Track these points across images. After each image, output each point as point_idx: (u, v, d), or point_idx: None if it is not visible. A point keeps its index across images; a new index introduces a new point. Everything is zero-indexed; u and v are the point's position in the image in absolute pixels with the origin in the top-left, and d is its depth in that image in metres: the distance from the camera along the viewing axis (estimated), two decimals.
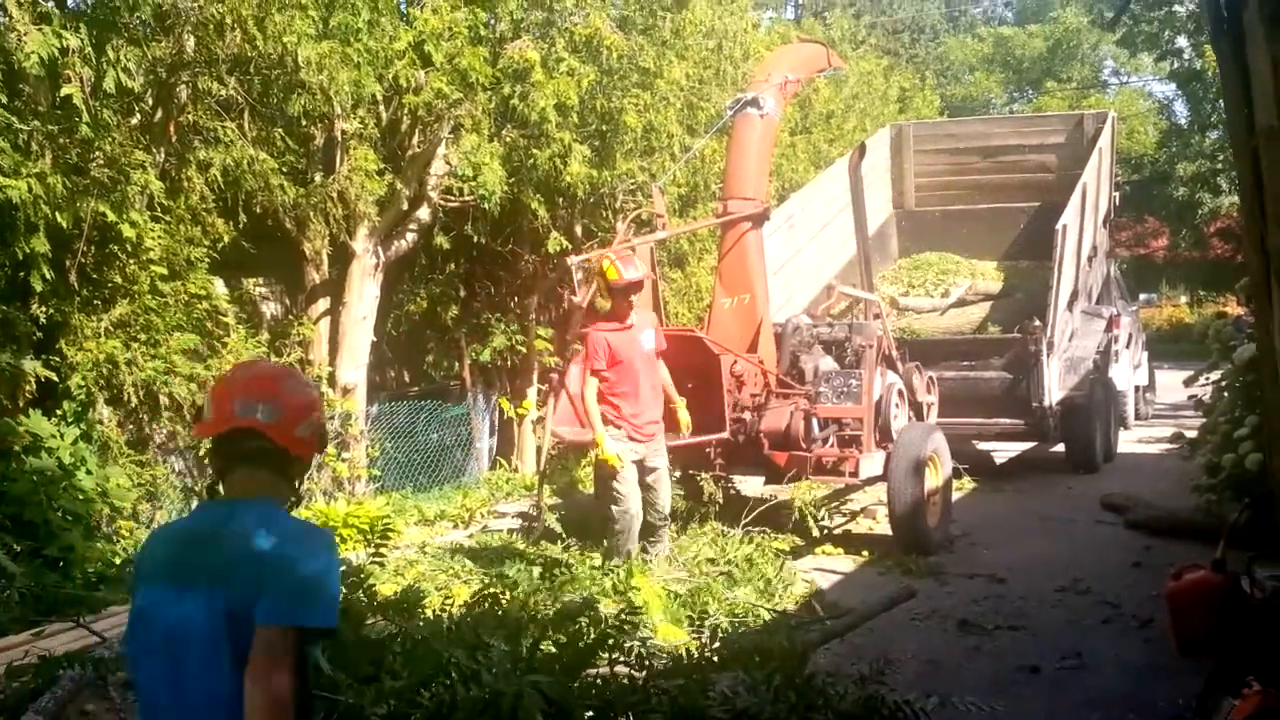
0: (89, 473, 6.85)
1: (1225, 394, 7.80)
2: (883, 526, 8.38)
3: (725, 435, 7.46)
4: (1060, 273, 10.34)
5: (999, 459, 11.84)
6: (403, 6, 9.83)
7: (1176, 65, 28.94)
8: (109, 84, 6.57)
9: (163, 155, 7.86)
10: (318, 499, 8.70)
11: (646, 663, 3.88)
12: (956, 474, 8.91)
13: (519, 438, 11.78)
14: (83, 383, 7.10)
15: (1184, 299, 35.95)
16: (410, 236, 10.37)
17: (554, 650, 3.96)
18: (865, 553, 7.78)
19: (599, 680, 3.74)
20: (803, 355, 8.33)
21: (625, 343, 6.72)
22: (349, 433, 9.45)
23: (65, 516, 6.54)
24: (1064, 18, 37.85)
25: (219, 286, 8.69)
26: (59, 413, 7.02)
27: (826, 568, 7.45)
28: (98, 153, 6.81)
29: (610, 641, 3.89)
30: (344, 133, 9.25)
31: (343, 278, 9.97)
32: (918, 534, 7.71)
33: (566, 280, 8.68)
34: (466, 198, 9.68)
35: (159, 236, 7.59)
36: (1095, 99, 34.92)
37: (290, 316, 10.36)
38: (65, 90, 6.41)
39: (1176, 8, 27.86)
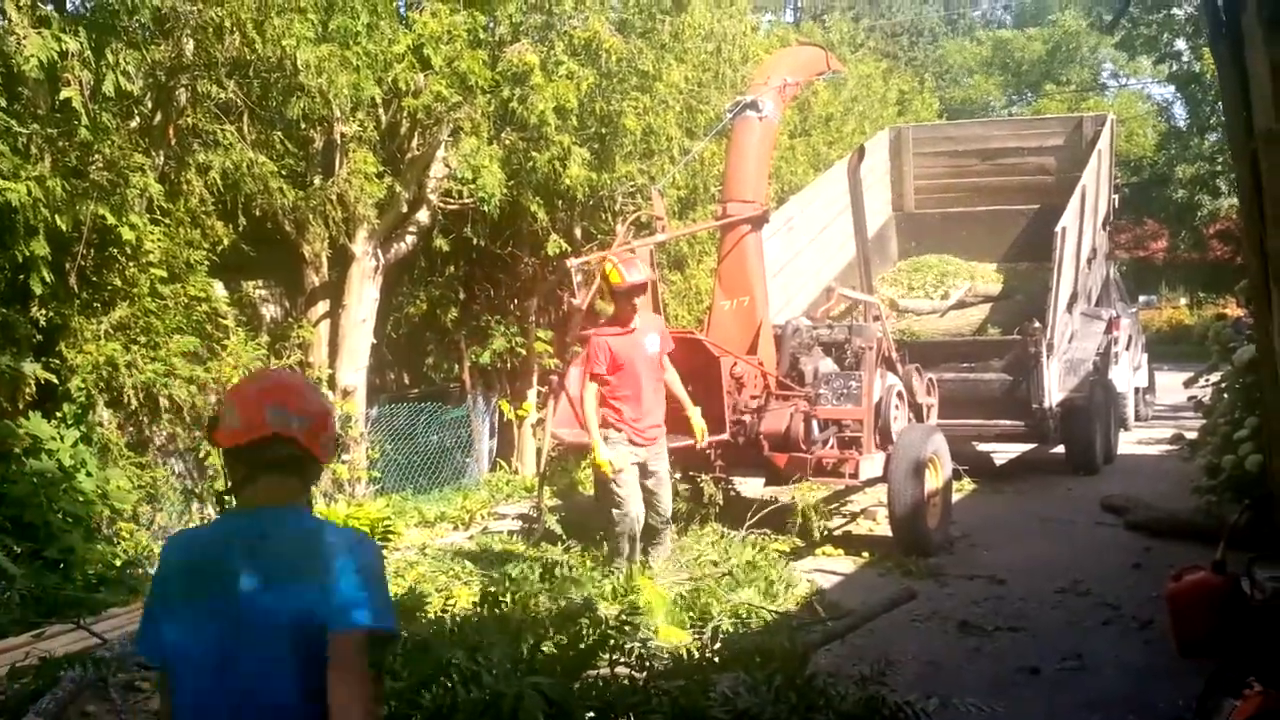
0: (89, 475, 6.86)
1: (1225, 395, 7.80)
2: (883, 528, 8.39)
3: (725, 437, 7.46)
4: (1060, 275, 10.35)
5: (999, 460, 11.84)
6: (402, 10, 9.85)
7: (1175, 68, 29.00)
8: (108, 87, 6.58)
9: (162, 158, 7.86)
10: (318, 501, 8.70)
11: (647, 664, 3.88)
12: (956, 475, 8.91)
13: (519, 440, 11.79)
14: (83, 385, 7.10)
15: (1183, 301, 35.97)
16: (410, 239, 10.37)
17: (554, 651, 3.96)
18: (865, 554, 7.78)
19: (600, 681, 3.75)
20: (802, 357, 8.34)
21: (628, 347, 6.68)
22: (349, 435, 9.45)
23: (65, 518, 6.55)
24: (1063, 21, 37.88)
25: (219, 289, 8.70)
26: (59, 415, 7.02)
27: (827, 569, 7.45)
28: (97, 156, 6.81)
29: (611, 642, 3.89)
30: (343, 136, 9.26)
31: (342, 280, 9.98)
32: (918, 535, 7.72)
33: (566, 282, 8.70)
34: (466, 200, 9.69)
35: (158, 239, 7.59)
36: (1094, 102, 34.88)
37: (290, 319, 10.37)
38: (65, 93, 6.41)
39: (1175, 11, 27.91)
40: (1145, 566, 7.27)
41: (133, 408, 7.44)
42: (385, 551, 6.70)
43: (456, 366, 12.69)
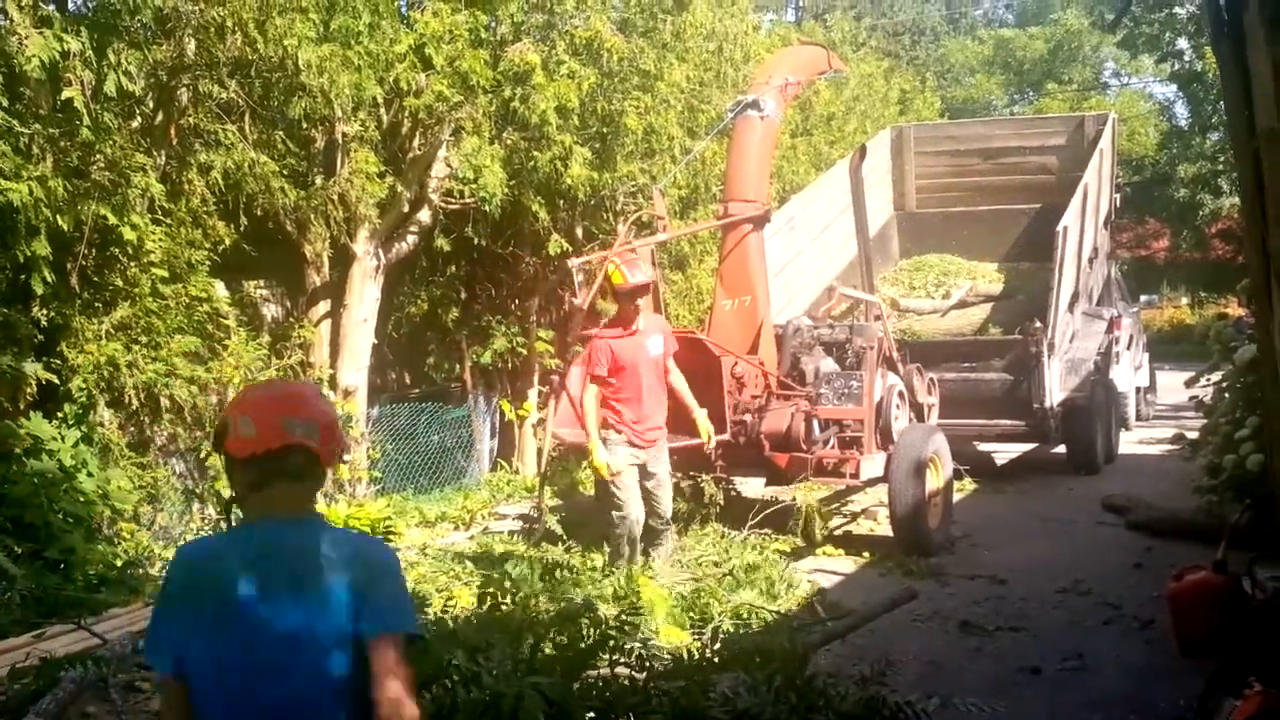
0: (90, 475, 6.85)
1: (1226, 395, 7.80)
2: (884, 528, 8.38)
3: (726, 437, 7.46)
4: (1061, 274, 10.34)
5: (1000, 460, 11.83)
6: (403, 9, 9.84)
7: (1177, 67, 28.94)
8: (110, 87, 6.57)
9: (164, 158, 7.86)
10: (318, 501, 8.69)
11: (647, 664, 3.88)
12: (957, 475, 8.90)
13: (520, 440, 11.79)
14: (84, 385, 7.09)
15: (1185, 300, 35.96)
16: (411, 239, 10.37)
17: (554, 652, 3.96)
18: (866, 554, 7.78)
19: (600, 681, 3.74)
20: (803, 357, 8.33)
21: (630, 348, 6.65)
22: (350, 435, 9.45)
23: (66, 519, 6.54)
24: (1065, 20, 37.88)
25: (220, 289, 8.69)
26: (60, 415, 7.02)
27: (828, 569, 7.45)
28: (99, 156, 6.81)
29: (611, 643, 3.89)
30: (345, 135, 9.26)
31: (343, 280, 9.98)
32: (919, 535, 7.71)
33: (567, 282, 8.70)
34: (467, 200, 9.69)
35: (160, 239, 7.59)
36: (1096, 101, 34.91)
37: (291, 319, 10.37)
38: (66, 93, 6.41)
39: (1177, 10, 27.86)
40: (1146, 566, 7.26)
41: (134, 408, 7.44)
42: None
43: (457, 366, 12.69)
